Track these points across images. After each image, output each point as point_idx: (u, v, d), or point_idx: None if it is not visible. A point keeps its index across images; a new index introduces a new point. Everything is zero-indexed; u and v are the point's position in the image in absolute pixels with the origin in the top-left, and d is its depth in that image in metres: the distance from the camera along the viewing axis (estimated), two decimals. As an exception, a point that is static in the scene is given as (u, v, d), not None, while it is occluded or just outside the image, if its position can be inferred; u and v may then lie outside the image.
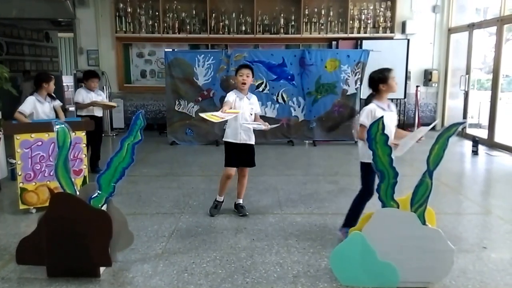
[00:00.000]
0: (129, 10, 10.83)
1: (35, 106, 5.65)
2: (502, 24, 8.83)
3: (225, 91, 9.18)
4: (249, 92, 4.94)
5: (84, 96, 6.73)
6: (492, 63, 9.33)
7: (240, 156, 4.87)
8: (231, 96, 4.77)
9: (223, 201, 5.03)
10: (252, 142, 4.92)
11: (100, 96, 6.97)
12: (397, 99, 10.81)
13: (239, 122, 4.73)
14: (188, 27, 10.92)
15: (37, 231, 3.41)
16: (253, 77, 4.89)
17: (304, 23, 10.87)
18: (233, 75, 8.98)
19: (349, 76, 9.26)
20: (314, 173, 7.01)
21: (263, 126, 4.79)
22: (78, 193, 3.48)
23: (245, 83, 4.76)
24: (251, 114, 4.84)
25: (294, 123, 9.49)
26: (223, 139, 4.95)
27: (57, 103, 6.08)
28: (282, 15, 10.91)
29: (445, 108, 11.32)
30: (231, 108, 4.65)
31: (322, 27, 10.97)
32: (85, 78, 6.91)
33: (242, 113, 4.72)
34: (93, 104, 6.70)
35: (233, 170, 4.90)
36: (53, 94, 5.98)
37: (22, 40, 13.37)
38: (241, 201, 5.06)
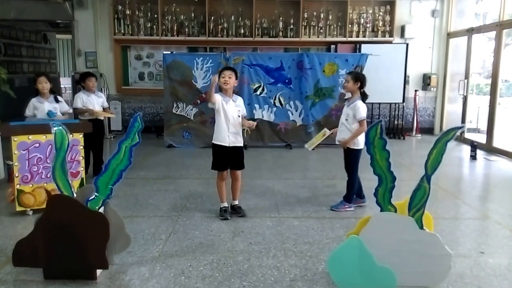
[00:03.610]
0: (128, 12, 10.81)
1: (35, 107, 5.67)
2: (501, 29, 8.85)
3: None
4: (233, 94, 5.01)
5: (84, 100, 6.50)
6: (491, 68, 9.34)
7: (228, 159, 4.95)
8: (218, 97, 4.83)
9: (227, 205, 5.06)
10: (240, 144, 5.00)
11: (101, 98, 6.78)
12: (395, 103, 10.85)
13: (227, 125, 4.84)
14: (186, 30, 10.90)
15: (34, 233, 3.39)
16: (236, 79, 4.95)
17: (303, 26, 10.86)
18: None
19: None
20: (311, 176, 7.00)
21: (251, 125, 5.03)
22: (75, 195, 3.46)
23: (227, 83, 4.81)
24: (239, 116, 4.90)
25: (292, 128, 9.49)
26: (212, 141, 5.00)
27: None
28: (281, 18, 10.90)
29: (444, 113, 11.32)
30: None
31: (321, 30, 10.97)
32: (82, 80, 6.66)
33: (232, 116, 4.83)
34: (91, 112, 6.46)
35: (224, 172, 5.00)
36: (58, 97, 5.97)
37: (20, 41, 13.36)
38: (236, 202, 5.13)
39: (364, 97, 5.13)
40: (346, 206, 5.23)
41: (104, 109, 6.81)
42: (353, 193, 5.26)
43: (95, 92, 6.73)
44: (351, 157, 5.21)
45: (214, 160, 4.98)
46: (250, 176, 5.87)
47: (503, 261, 3.88)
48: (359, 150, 5.11)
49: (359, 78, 5.13)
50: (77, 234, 3.32)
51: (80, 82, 6.80)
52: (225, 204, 5.04)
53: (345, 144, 5.16)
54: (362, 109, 4.99)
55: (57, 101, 5.91)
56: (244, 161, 5.06)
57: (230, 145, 4.87)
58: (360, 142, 5.08)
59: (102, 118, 6.76)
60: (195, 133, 9.45)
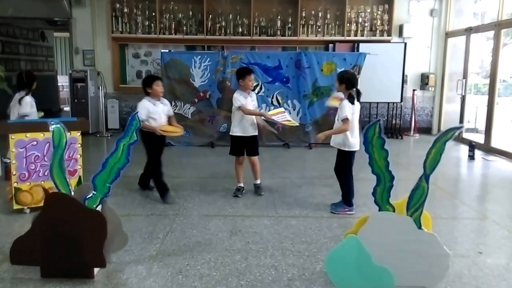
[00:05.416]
0: (126, 10, 10.78)
1: (31, 105, 5.65)
2: (499, 28, 8.84)
3: (221, 92, 9.19)
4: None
5: (151, 110, 5.39)
6: (489, 67, 9.34)
7: (246, 147, 5.66)
8: (241, 98, 5.51)
9: (243, 186, 5.79)
10: (256, 133, 5.72)
11: (166, 106, 5.67)
12: (393, 103, 10.85)
13: (246, 118, 5.53)
14: (184, 28, 10.88)
15: (31, 231, 3.39)
16: None
17: (301, 25, 10.84)
18: (229, 77, 9.03)
19: (345, 80, 9.26)
20: (309, 176, 7.00)
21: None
22: (73, 193, 3.45)
23: (253, 85, 5.64)
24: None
25: (290, 127, 9.45)
26: (231, 134, 5.69)
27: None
28: (279, 17, 10.88)
29: (442, 112, 11.34)
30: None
31: (319, 29, 10.94)
32: (147, 85, 5.47)
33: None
34: (157, 132, 5.34)
35: (241, 157, 5.74)
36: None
37: (18, 39, 13.33)
38: (258, 181, 5.85)
39: (350, 98, 4.96)
40: (346, 210, 5.13)
41: (169, 118, 5.73)
42: (351, 196, 5.16)
43: (161, 99, 5.62)
44: (342, 159, 5.13)
45: (233, 147, 5.71)
46: (248, 175, 5.86)
47: (501, 261, 3.88)
48: (351, 152, 5.03)
49: (342, 80, 4.99)
50: (74, 232, 3.31)
51: (145, 88, 5.52)
52: (241, 185, 5.77)
53: (324, 136, 5.07)
54: (346, 109, 4.88)
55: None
56: (258, 148, 5.80)
57: (250, 135, 5.62)
58: (352, 144, 4.99)
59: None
60: (193, 132, 9.44)
